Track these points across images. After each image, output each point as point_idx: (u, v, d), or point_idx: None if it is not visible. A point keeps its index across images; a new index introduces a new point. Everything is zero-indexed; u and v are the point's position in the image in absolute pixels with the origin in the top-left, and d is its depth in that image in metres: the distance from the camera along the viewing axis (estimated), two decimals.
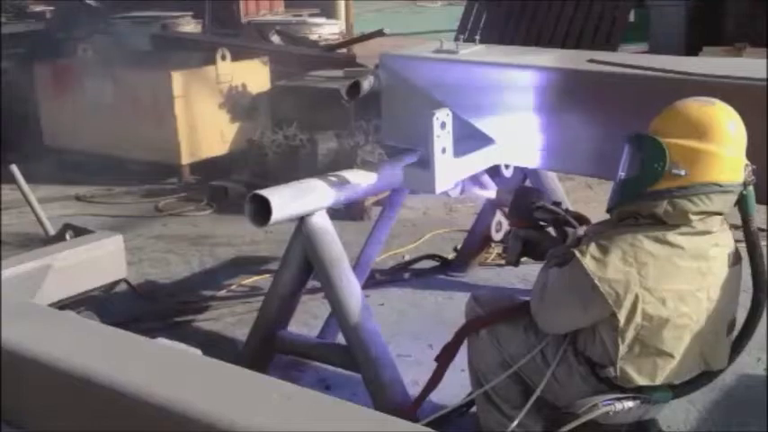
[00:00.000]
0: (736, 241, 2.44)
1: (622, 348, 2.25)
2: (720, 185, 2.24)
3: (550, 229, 2.72)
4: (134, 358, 1.60)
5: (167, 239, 5.54)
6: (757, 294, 2.45)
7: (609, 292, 2.20)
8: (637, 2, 8.11)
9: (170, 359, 1.62)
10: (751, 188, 2.33)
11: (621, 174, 2.38)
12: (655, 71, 3.00)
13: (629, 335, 2.24)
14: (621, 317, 2.21)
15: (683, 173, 2.22)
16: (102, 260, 2.91)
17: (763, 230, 4.88)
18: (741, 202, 2.34)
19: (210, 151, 6.90)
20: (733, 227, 2.45)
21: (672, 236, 2.25)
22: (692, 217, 2.25)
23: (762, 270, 2.41)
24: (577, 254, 2.25)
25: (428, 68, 3.60)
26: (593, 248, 2.25)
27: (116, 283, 3.04)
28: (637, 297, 2.20)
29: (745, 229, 2.40)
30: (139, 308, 4.32)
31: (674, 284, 2.24)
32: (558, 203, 2.77)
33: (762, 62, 3.06)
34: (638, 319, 2.22)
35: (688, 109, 2.31)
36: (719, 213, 2.30)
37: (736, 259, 2.38)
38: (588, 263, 2.22)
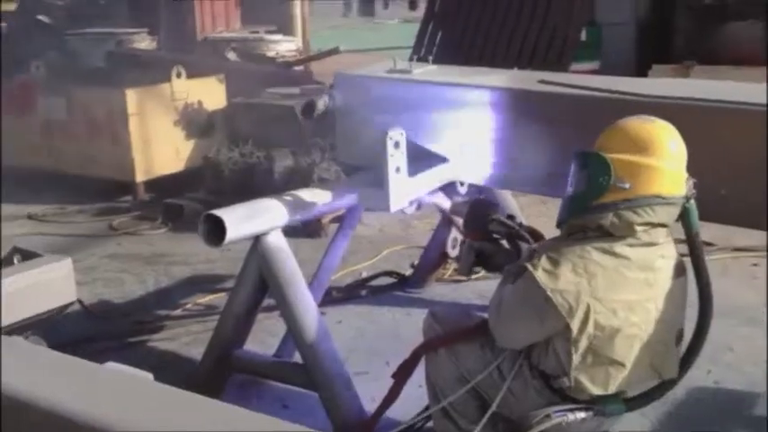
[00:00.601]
0: (682, 255, 2.51)
1: (576, 358, 2.30)
2: (663, 197, 2.33)
3: (504, 243, 2.77)
4: (80, 384, 1.58)
5: (121, 259, 5.49)
6: (704, 307, 2.51)
7: (561, 303, 2.26)
8: (588, 21, 8.24)
9: (118, 385, 1.60)
10: (693, 202, 2.42)
11: (569, 189, 2.46)
12: (601, 92, 3.08)
13: (582, 344, 2.29)
14: (574, 327, 2.27)
15: (627, 186, 2.31)
16: (50, 284, 2.86)
17: (711, 245, 5.03)
18: (684, 216, 2.43)
19: (165, 169, 6.86)
20: (677, 241, 2.52)
21: (619, 247, 2.32)
22: (637, 228, 2.32)
23: (707, 282, 2.50)
24: (529, 267, 2.31)
25: (382, 88, 3.64)
26: (544, 261, 2.31)
27: (66, 306, 3.00)
28: (588, 307, 2.26)
29: (690, 242, 2.49)
30: (93, 328, 4.27)
31: (623, 295, 2.30)
32: (512, 217, 2.82)
33: (702, 83, 3.15)
34: (590, 329, 2.28)
35: (630, 126, 2.41)
36: (664, 225, 2.38)
37: (680, 271, 2.45)
38: (540, 275, 2.28)
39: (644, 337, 2.34)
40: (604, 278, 2.28)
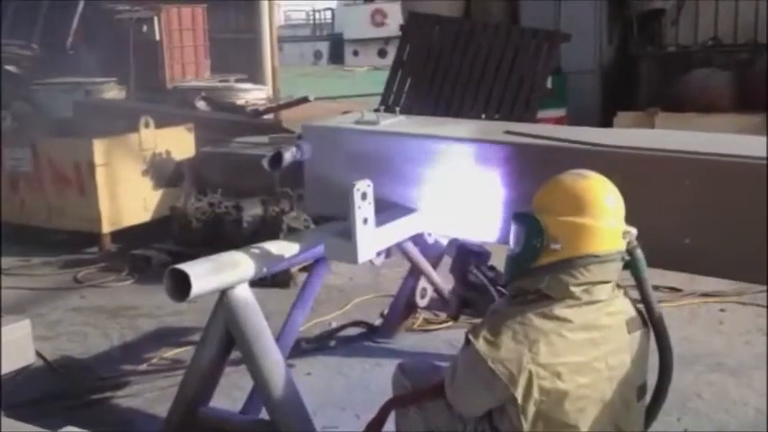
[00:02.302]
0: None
1: (526, 425, 2.26)
2: (598, 256, 2.29)
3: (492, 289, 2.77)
4: None
5: (86, 312, 5.39)
6: (664, 357, 2.49)
7: (503, 371, 2.23)
8: (554, 69, 8.38)
9: None
10: (639, 252, 2.39)
11: (510, 250, 2.43)
12: (566, 142, 3.10)
13: (530, 411, 2.25)
14: (518, 395, 2.23)
15: (558, 247, 2.29)
16: (8, 346, 2.79)
17: (678, 291, 5.06)
18: (632, 267, 2.41)
19: (133, 219, 6.79)
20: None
21: (558, 309, 2.28)
22: (574, 289, 2.29)
23: (663, 331, 2.46)
24: (471, 337, 2.29)
25: (349, 139, 3.65)
26: (485, 330, 2.29)
27: (23, 369, 2.93)
28: (531, 373, 2.23)
29: (641, 292, 2.46)
30: (56, 385, 4.17)
31: (568, 357, 2.26)
32: (492, 268, 2.82)
33: (664, 132, 3.20)
34: (535, 394, 2.24)
35: (563, 184, 2.38)
36: (606, 282, 2.34)
37: (636, 325, 2.41)
38: (481, 345, 2.26)
39: (596, 398, 2.30)
40: (546, 344, 2.24)
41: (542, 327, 2.26)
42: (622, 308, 2.39)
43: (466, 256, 2.85)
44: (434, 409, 2.59)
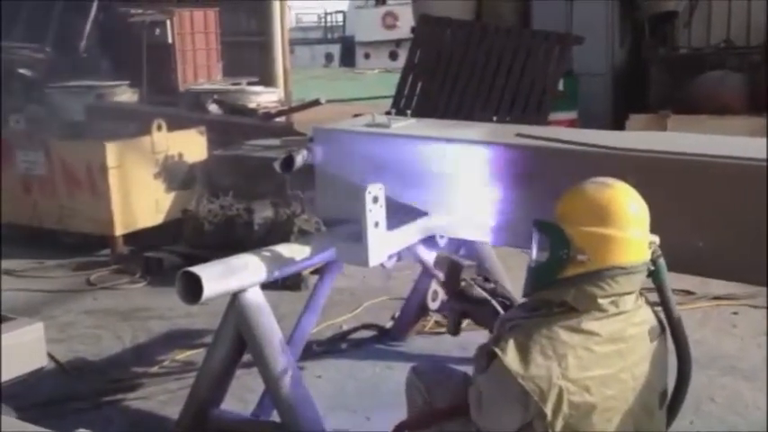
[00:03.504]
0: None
1: None
2: (624, 268, 2.25)
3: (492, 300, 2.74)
4: None
5: (98, 314, 5.41)
6: (682, 363, 2.48)
7: (533, 388, 2.19)
8: (566, 72, 8.36)
9: None
10: (661, 261, 2.36)
11: (532, 260, 2.39)
12: (579, 145, 3.10)
13: (558, 425, 2.23)
14: (548, 410, 2.20)
15: (585, 258, 2.25)
16: (20, 348, 2.80)
17: (691, 294, 5.04)
18: (654, 275, 2.38)
19: (145, 222, 6.81)
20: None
21: (586, 323, 2.25)
22: (601, 301, 2.25)
23: (682, 338, 2.45)
24: (499, 353, 2.24)
25: (360, 142, 3.65)
26: (512, 346, 2.24)
27: (36, 371, 2.94)
28: (561, 389, 2.19)
29: (662, 299, 2.44)
30: (68, 387, 4.19)
31: (596, 371, 2.23)
32: (487, 279, 2.80)
33: (677, 135, 3.18)
34: (565, 409, 2.21)
35: (587, 193, 2.33)
36: (631, 293, 2.31)
37: (657, 333, 2.39)
38: (510, 362, 2.21)
39: (622, 408, 2.28)
40: (574, 358, 2.21)
41: (570, 341, 2.22)
42: (646, 317, 2.37)
43: (456, 268, 2.81)
44: (451, 427, 2.57)
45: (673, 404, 2.52)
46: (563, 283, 2.28)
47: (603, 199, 2.29)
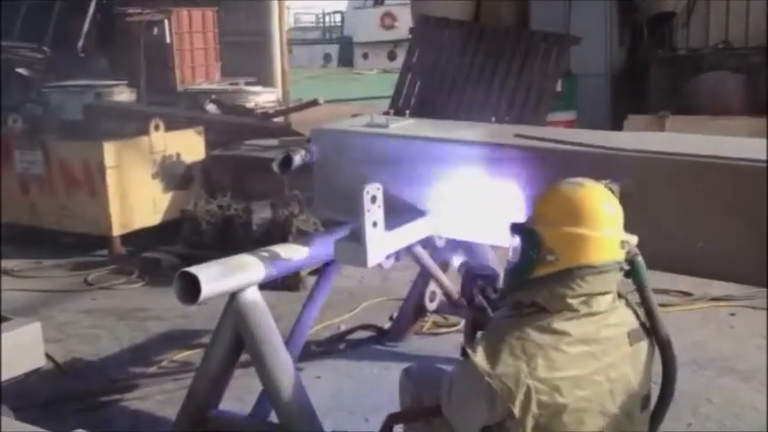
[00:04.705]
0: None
1: None
2: (594, 267, 2.25)
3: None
4: None
5: (96, 314, 5.41)
6: (666, 364, 2.44)
7: (501, 387, 2.19)
8: (564, 72, 8.36)
9: None
10: (640, 260, 2.34)
11: (507, 263, 2.40)
12: (576, 146, 3.09)
13: (529, 424, 2.23)
14: (516, 409, 2.20)
15: (554, 258, 2.25)
16: (18, 349, 2.79)
17: (688, 295, 5.04)
18: (633, 276, 2.36)
19: (143, 222, 6.81)
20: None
21: (557, 323, 2.24)
22: (571, 301, 2.25)
23: (664, 339, 2.41)
24: (469, 352, 2.25)
25: (359, 142, 3.64)
26: (482, 345, 2.25)
27: (33, 372, 2.93)
28: (529, 388, 2.19)
29: (642, 300, 2.41)
30: (66, 387, 4.18)
31: (567, 371, 2.22)
32: (497, 290, 2.79)
33: (674, 135, 3.18)
34: (534, 408, 2.20)
35: (559, 193, 2.34)
36: (605, 293, 2.31)
37: (640, 335, 2.37)
38: (479, 360, 2.21)
39: (596, 410, 2.26)
40: (544, 358, 2.20)
41: (540, 341, 2.22)
42: (623, 319, 2.35)
43: (472, 279, 2.81)
44: (440, 425, 2.57)
45: (658, 409, 2.50)
46: (534, 284, 2.28)
47: (574, 198, 2.30)
